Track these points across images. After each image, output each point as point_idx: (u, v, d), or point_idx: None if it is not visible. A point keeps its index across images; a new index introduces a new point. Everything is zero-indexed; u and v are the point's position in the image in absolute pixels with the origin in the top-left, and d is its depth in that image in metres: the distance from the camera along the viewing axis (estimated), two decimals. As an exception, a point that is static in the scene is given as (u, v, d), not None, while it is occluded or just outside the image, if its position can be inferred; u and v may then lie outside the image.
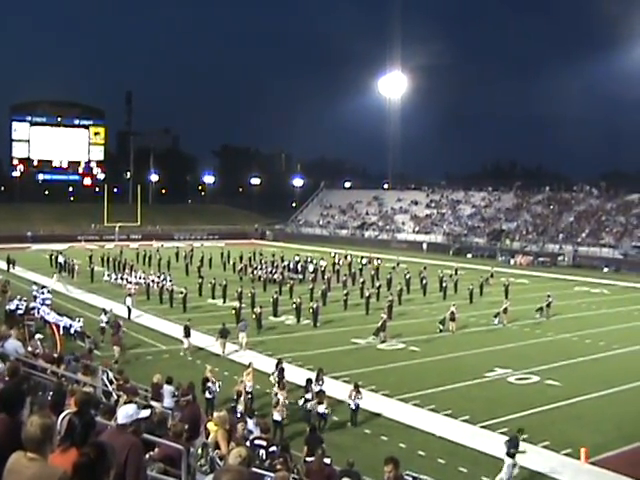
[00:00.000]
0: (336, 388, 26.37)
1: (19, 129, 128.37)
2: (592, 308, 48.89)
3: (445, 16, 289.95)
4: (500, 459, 20.67)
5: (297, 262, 64.45)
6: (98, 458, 4.25)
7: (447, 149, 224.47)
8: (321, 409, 23.00)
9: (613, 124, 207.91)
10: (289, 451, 16.01)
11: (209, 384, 23.78)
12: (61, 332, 32.97)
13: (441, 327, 39.07)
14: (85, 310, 41.81)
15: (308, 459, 16.30)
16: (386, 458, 10.10)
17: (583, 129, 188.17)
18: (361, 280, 53.23)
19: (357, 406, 23.92)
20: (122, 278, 54.15)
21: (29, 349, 19.22)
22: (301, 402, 23.78)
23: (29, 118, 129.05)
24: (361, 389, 24.30)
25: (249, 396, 24.32)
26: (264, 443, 15.48)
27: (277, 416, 21.98)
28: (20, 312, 35.58)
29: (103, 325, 34.90)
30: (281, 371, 26.04)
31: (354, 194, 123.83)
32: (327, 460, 15.80)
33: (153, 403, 18.87)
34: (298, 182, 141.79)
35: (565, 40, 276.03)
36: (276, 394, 23.27)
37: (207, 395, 23.53)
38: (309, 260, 66.63)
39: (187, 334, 33.66)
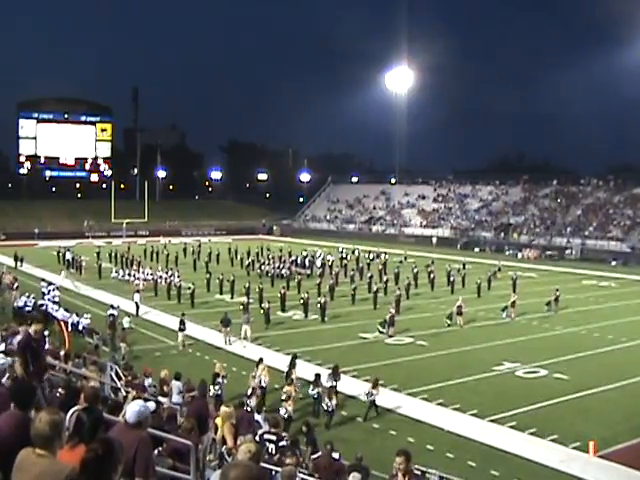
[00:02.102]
0: (344, 383, 26.36)
1: (26, 126, 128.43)
2: (600, 301, 48.81)
3: (451, 12, 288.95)
4: (509, 453, 20.72)
5: (305, 257, 64.45)
6: (106, 454, 4.26)
7: (454, 143, 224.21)
8: (329, 405, 23.06)
9: (620, 118, 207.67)
10: (298, 446, 16.04)
11: (219, 379, 23.84)
12: (69, 329, 33.09)
13: (449, 321, 39.09)
14: (93, 307, 41.89)
15: (313, 457, 16.33)
16: (399, 450, 10.05)
17: (590, 123, 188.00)
18: (369, 275, 53.25)
19: (372, 401, 23.96)
20: (130, 274, 54.23)
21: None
22: (311, 392, 24.03)
23: (36, 115, 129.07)
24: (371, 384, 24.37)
25: (261, 391, 24.33)
26: (273, 438, 15.50)
27: (284, 410, 22.03)
28: (28, 309, 35.69)
29: (111, 320, 34.91)
30: (292, 366, 26.10)
31: (361, 189, 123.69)
32: (336, 455, 15.83)
33: (160, 399, 18.93)
34: (305, 177, 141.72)
35: (572, 35, 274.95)
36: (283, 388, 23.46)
37: (217, 391, 23.47)
38: (317, 255, 66.70)
39: (182, 328, 33.83)
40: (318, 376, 24.41)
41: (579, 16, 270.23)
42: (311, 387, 24.25)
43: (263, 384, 24.64)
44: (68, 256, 63.56)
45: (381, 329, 36.76)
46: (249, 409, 21.01)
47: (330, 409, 23.06)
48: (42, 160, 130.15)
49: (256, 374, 24.85)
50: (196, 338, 34.81)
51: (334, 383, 24.44)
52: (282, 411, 21.88)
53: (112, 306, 36.19)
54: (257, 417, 17.96)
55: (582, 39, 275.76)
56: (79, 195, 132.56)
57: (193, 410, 14.49)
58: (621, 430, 22.71)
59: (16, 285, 43.22)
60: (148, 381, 21.25)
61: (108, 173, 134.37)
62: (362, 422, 23.47)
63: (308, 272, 59.61)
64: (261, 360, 25.96)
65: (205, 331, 36.56)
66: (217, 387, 23.49)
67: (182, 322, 33.94)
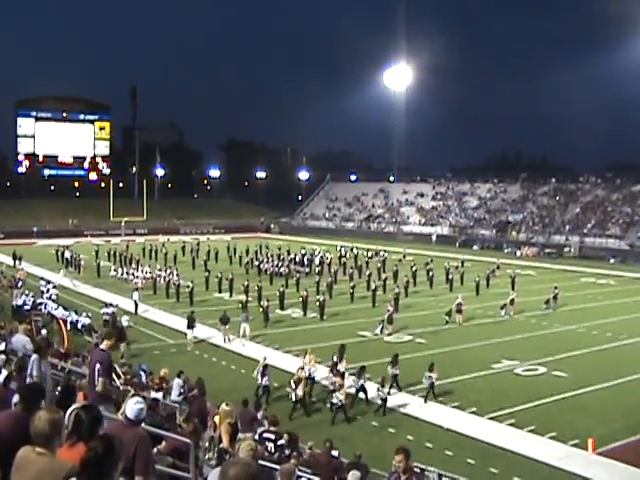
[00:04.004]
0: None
1: (24, 125, 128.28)
2: (598, 299, 48.83)
3: (450, 10, 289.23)
4: (508, 450, 20.74)
5: (303, 255, 64.48)
6: (106, 452, 4.25)
7: (452, 141, 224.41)
8: (382, 393, 24.07)
9: (618, 116, 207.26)
10: (297, 444, 16.07)
11: (267, 371, 25.01)
12: (68, 327, 33.09)
13: (447, 319, 39.10)
14: (92, 305, 41.88)
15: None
16: (397, 448, 10.05)
17: (588, 121, 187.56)
18: (367, 272, 53.24)
19: (431, 384, 25.35)
20: (128, 273, 54.21)
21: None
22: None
23: (34, 113, 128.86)
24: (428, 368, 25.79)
25: (309, 382, 25.26)
26: (272, 436, 15.53)
27: (336, 399, 23.23)
28: (27, 307, 35.72)
29: (107, 318, 34.93)
30: (340, 358, 27.15)
31: (360, 187, 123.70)
32: (335, 453, 15.85)
33: (158, 396, 18.94)
34: (304, 175, 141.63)
35: (570, 33, 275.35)
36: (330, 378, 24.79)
37: (266, 382, 24.84)
38: (315, 253, 66.68)
39: (190, 325, 33.93)
40: (363, 368, 25.27)
41: (577, 15, 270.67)
42: (354, 379, 25.00)
43: (312, 375, 25.60)
44: (67, 255, 63.59)
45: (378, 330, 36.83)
46: (294, 398, 22.98)
47: (384, 397, 24.04)
48: (40, 159, 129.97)
49: (304, 365, 25.60)
50: (195, 336, 34.78)
51: (395, 372, 26.06)
52: (335, 400, 23.19)
53: (109, 304, 36.21)
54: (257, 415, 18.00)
55: (580, 37, 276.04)
56: (77, 194, 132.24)
57: (196, 409, 14.52)
58: (620, 427, 22.75)
59: (20, 283, 43.52)
60: (158, 395, 20.28)
61: (106, 172, 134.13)
62: (382, 416, 23.87)
63: (307, 270, 59.61)
64: (306, 352, 27.18)
65: (204, 329, 36.51)
66: (265, 379, 24.77)
67: (191, 320, 34.17)
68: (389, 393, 24.83)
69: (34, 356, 10.71)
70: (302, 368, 25.02)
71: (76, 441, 5.24)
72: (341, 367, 25.87)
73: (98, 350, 9.71)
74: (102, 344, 9.65)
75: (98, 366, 9.19)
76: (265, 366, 25.15)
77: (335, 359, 26.88)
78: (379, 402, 24.17)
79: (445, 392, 26.23)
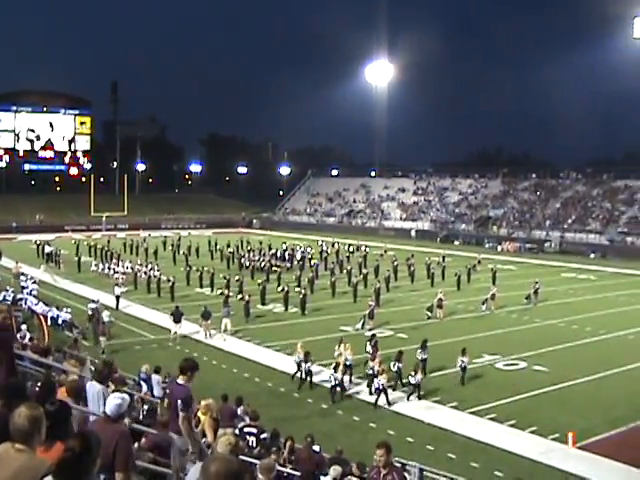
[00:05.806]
0: (327, 377, 26.42)
1: (4, 119, 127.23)
2: (579, 294, 49.08)
3: (432, 6, 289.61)
4: (489, 444, 20.82)
5: (284, 250, 64.45)
6: (83, 451, 4.21)
7: (434, 136, 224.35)
8: (415, 379, 24.94)
9: (599, 112, 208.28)
10: (279, 438, 16.05)
11: (311, 357, 26.26)
12: (49, 323, 32.91)
13: (429, 314, 39.16)
14: (73, 300, 41.69)
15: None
16: (379, 442, 10.05)
17: (569, 116, 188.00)
18: (348, 267, 53.24)
19: (463, 368, 26.98)
20: (109, 268, 53.98)
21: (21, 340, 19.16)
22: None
23: (14, 108, 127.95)
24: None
25: (346, 368, 26.20)
26: (254, 431, 15.51)
27: (382, 382, 24.30)
28: (7, 303, 35.45)
29: (91, 313, 34.73)
30: (375, 344, 28.31)
31: (341, 182, 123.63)
32: (316, 448, 15.83)
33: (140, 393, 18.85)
34: (285, 170, 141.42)
35: (553, 31, 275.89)
36: (366, 363, 26.48)
37: (310, 367, 26.16)
38: (296, 248, 66.65)
39: (177, 320, 33.95)
40: (401, 353, 26.47)
41: (560, 12, 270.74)
42: (393, 363, 26.11)
43: (348, 362, 26.62)
44: (47, 250, 63.21)
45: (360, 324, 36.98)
46: (336, 382, 24.32)
47: (416, 383, 24.95)
48: (21, 153, 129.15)
49: (341, 352, 27.04)
50: (176, 331, 34.67)
51: (424, 356, 27.49)
52: (376, 383, 24.40)
53: (93, 300, 36.05)
54: (238, 410, 17.98)
55: (563, 35, 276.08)
56: (58, 189, 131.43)
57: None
58: (599, 422, 22.91)
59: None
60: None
61: (87, 166, 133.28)
62: (418, 400, 24.90)
63: (288, 265, 59.61)
64: (341, 340, 28.45)
65: (185, 324, 36.41)
66: (308, 365, 26.05)
67: (177, 314, 34.26)
68: (422, 378, 25.43)
69: (98, 387, 10.16)
70: (340, 355, 26.58)
71: (51, 442, 5.17)
72: (378, 355, 26.72)
73: (176, 385, 9.60)
74: (178, 379, 9.53)
75: (180, 402, 9.18)
76: (307, 353, 26.15)
77: (369, 348, 28.04)
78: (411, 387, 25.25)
79: (426, 387, 26.29)
